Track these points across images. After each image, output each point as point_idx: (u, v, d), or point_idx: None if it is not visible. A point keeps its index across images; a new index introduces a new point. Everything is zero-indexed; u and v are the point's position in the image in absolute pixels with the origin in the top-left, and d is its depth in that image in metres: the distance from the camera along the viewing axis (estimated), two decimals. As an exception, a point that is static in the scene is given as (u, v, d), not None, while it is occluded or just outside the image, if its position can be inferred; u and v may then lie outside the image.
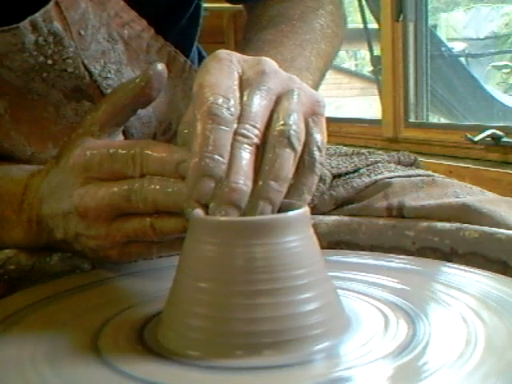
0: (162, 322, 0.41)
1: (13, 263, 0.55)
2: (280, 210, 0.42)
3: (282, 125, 0.43)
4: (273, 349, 0.37)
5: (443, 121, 2.70)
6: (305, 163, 0.45)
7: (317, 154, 0.45)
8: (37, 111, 0.68)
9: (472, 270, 0.51)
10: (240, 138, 0.42)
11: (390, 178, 0.67)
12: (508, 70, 3.58)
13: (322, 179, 0.67)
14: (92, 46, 0.66)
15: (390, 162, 0.72)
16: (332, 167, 0.69)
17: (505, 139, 1.81)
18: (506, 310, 0.42)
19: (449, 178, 0.72)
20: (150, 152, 0.47)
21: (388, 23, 2.28)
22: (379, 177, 0.67)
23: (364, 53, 5.19)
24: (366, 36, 2.78)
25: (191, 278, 0.39)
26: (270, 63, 0.48)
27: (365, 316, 0.42)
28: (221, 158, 0.41)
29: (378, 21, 2.47)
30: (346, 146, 0.81)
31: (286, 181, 0.42)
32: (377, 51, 2.65)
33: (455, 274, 0.50)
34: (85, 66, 0.66)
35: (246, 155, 0.42)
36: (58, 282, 0.54)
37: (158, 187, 0.46)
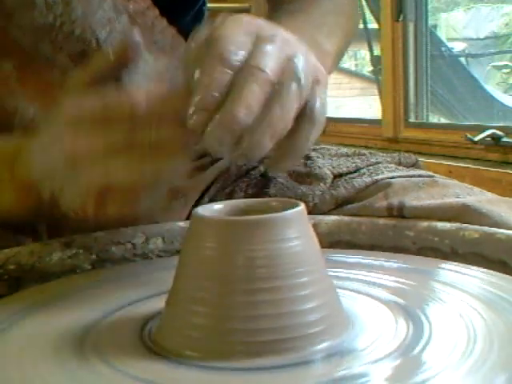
0: (162, 321, 0.41)
1: (13, 263, 0.55)
2: (277, 211, 0.41)
3: (290, 67, 0.46)
4: (273, 349, 0.37)
5: (443, 121, 2.70)
6: (306, 112, 0.47)
7: (318, 106, 0.47)
8: (43, 75, 0.69)
9: (470, 267, 0.51)
10: (247, 76, 0.44)
11: (391, 178, 0.67)
12: (508, 70, 3.57)
13: (322, 179, 0.68)
14: (99, 12, 0.68)
15: (390, 163, 0.72)
16: (333, 167, 0.69)
17: (505, 139, 1.80)
18: (504, 308, 0.42)
19: (449, 178, 0.72)
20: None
21: (388, 23, 2.28)
22: (380, 177, 0.67)
23: (364, 53, 5.19)
24: (365, 36, 2.78)
25: (191, 277, 0.39)
26: (285, 32, 0.50)
27: (364, 316, 0.42)
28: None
29: (377, 21, 2.47)
30: (345, 146, 0.82)
31: (289, 112, 0.44)
32: (377, 51, 2.65)
33: (453, 272, 0.50)
34: (92, 31, 0.67)
35: (252, 87, 0.44)
36: (58, 281, 0.54)
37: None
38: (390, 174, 0.68)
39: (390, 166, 0.71)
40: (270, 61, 0.45)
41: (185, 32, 0.79)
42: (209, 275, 0.38)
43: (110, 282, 0.52)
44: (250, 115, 0.43)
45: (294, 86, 0.45)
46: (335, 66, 0.71)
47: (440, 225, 0.59)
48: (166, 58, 0.58)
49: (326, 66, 0.61)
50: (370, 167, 0.70)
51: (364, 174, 0.68)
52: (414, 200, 0.63)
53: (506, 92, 3.42)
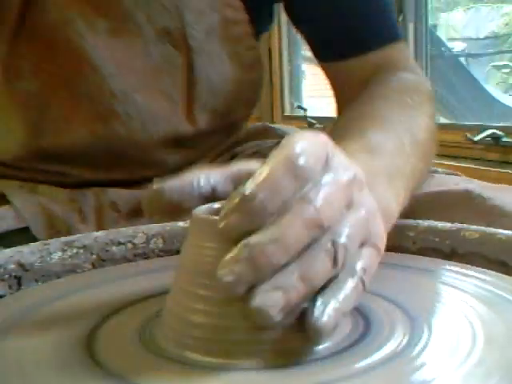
0: (163, 321, 0.41)
1: (13, 263, 0.55)
2: None
3: (344, 219, 0.38)
4: (273, 346, 0.37)
5: (443, 121, 2.70)
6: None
7: (357, 272, 0.38)
8: (129, 42, 0.74)
9: (470, 267, 0.51)
10: (295, 207, 0.36)
11: None
12: (508, 70, 3.57)
13: None
14: (193, 1, 0.74)
15: None
16: None
17: (505, 139, 1.81)
18: (504, 308, 0.42)
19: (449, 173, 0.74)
20: None
21: (388, 23, 2.28)
22: None
23: (364, 53, 5.17)
24: (366, 36, 2.77)
25: (191, 276, 0.39)
26: (359, 173, 0.41)
27: (364, 316, 0.42)
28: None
29: (378, 21, 2.47)
30: (346, 146, 0.84)
31: (320, 273, 0.36)
32: (377, 51, 2.64)
33: (453, 272, 0.50)
34: (182, 12, 0.74)
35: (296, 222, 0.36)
36: (59, 281, 0.54)
37: None
38: None
39: None
40: (328, 204, 0.36)
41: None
42: (209, 273, 0.38)
43: (111, 282, 0.52)
44: (284, 255, 0.35)
45: (335, 242, 0.36)
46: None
47: (440, 225, 0.59)
48: None
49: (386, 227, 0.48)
50: None
51: None
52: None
53: (506, 92, 3.41)
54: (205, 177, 0.42)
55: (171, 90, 0.78)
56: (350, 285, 0.37)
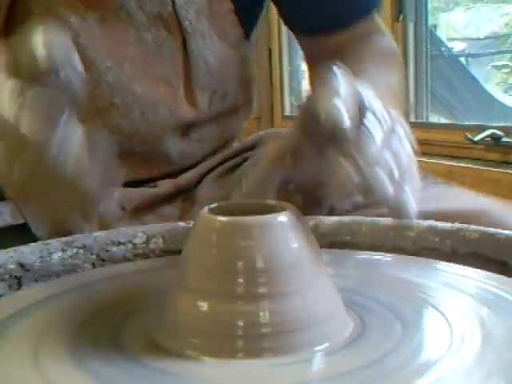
0: (164, 319, 0.41)
1: (13, 263, 0.55)
2: (275, 212, 0.42)
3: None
4: (274, 344, 0.37)
5: (443, 121, 2.70)
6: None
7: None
8: (121, 30, 0.74)
9: (470, 269, 0.51)
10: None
11: None
12: (508, 70, 3.57)
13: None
14: None
15: None
16: None
17: (505, 139, 1.81)
18: (505, 309, 0.42)
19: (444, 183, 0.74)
20: None
21: (388, 23, 2.28)
22: None
23: (364, 53, 5.16)
24: (366, 36, 2.77)
25: (193, 273, 0.40)
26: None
27: (363, 315, 0.42)
28: None
29: (378, 21, 2.47)
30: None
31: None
32: (377, 51, 2.64)
33: (454, 273, 0.50)
34: None
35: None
36: (59, 281, 0.54)
37: None
38: None
39: None
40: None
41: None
42: (211, 270, 0.39)
43: (110, 281, 0.52)
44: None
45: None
46: None
47: (440, 225, 0.59)
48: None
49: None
50: None
51: None
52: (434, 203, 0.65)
53: (506, 92, 3.41)
54: None
55: (169, 75, 0.78)
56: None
